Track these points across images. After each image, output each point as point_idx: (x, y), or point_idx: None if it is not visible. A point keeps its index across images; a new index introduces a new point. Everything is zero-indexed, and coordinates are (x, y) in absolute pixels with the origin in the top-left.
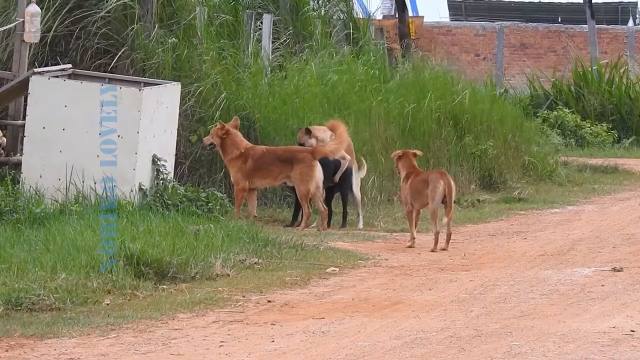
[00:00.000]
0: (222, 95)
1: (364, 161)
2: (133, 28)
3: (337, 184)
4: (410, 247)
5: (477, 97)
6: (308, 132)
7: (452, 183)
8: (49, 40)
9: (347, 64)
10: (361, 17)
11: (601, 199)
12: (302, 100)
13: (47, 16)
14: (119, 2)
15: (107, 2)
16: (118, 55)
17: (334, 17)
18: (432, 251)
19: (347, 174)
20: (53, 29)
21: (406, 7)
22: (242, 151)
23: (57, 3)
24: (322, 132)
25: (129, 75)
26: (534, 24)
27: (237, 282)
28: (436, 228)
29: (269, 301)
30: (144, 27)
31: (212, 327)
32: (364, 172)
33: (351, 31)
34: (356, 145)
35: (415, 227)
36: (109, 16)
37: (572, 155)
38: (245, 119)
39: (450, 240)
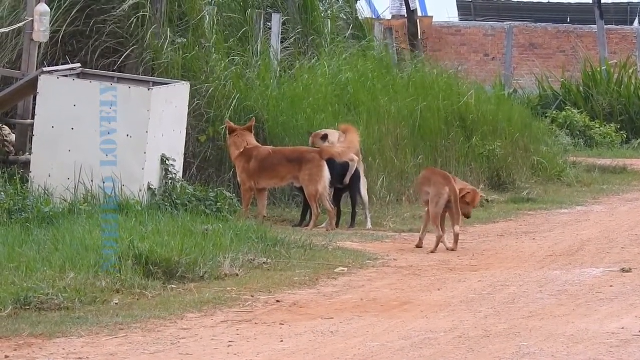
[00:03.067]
0: (232, 96)
1: (360, 159)
2: (143, 28)
3: (347, 185)
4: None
5: (484, 97)
6: (325, 137)
7: (457, 188)
8: (58, 40)
9: (354, 62)
10: (370, 17)
11: (610, 200)
12: (311, 100)
13: (57, 15)
14: (129, 2)
15: (117, 2)
16: (127, 55)
17: (341, 16)
18: (432, 252)
19: (356, 175)
20: (63, 28)
21: (414, 8)
22: (242, 151)
23: (67, 2)
24: (331, 134)
25: (139, 75)
26: (543, 24)
27: (246, 282)
28: (439, 232)
29: (277, 301)
30: (153, 27)
31: (221, 327)
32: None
33: (364, 31)
34: (366, 145)
35: (426, 227)
36: (119, 16)
37: (581, 156)
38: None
39: (460, 240)
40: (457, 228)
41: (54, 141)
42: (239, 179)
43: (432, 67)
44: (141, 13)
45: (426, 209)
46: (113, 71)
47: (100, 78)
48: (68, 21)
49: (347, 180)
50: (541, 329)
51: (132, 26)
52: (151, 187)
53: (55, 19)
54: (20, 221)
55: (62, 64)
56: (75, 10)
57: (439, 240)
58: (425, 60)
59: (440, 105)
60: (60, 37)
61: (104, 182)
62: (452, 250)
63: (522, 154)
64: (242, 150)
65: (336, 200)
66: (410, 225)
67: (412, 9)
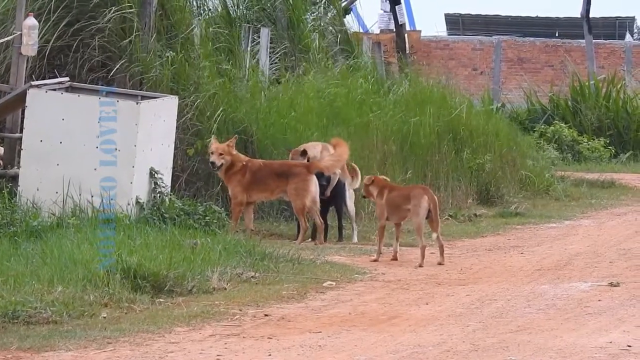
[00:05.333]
0: (220, 109)
1: (358, 171)
2: (131, 41)
3: (331, 197)
4: (375, 260)
5: (473, 111)
6: (304, 153)
7: (435, 198)
8: (46, 53)
9: (342, 78)
10: (359, 31)
11: (598, 214)
12: (299, 114)
13: (45, 29)
14: (117, 15)
15: (105, 15)
16: (116, 69)
17: (329, 30)
18: (420, 266)
19: (341, 187)
20: (51, 41)
21: (403, 22)
22: (244, 163)
23: (55, 16)
24: (312, 148)
25: (127, 89)
26: (532, 39)
27: (234, 296)
28: (422, 242)
29: (265, 315)
30: (141, 41)
31: (209, 341)
32: (357, 182)
33: (352, 45)
34: (354, 160)
35: (397, 240)
36: (107, 29)
37: (569, 170)
38: (242, 133)
39: (447, 254)
40: (434, 235)
41: (42, 155)
42: (231, 192)
43: (422, 81)
44: (128, 24)
45: (380, 224)
46: (101, 85)
47: (88, 92)
48: (56, 35)
49: (327, 192)
50: (529, 343)
51: (120, 40)
52: (139, 200)
53: (43, 32)
54: (9, 235)
55: (51, 78)
56: (63, 24)
57: (424, 250)
58: (414, 73)
59: (431, 119)
60: (48, 50)
61: (92, 196)
62: (440, 264)
63: (510, 168)
64: (244, 163)
65: (322, 213)
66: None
67: (400, 23)
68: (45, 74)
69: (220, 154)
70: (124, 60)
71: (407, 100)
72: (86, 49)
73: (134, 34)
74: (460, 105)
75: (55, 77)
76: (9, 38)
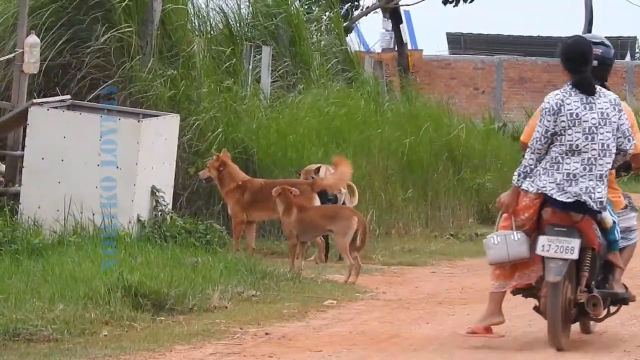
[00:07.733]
0: (220, 128)
1: (355, 188)
2: (132, 60)
3: None
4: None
5: (473, 130)
6: (318, 170)
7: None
8: (48, 71)
9: (343, 97)
10: (360, 50)
11: None
12: (300, 133)
13: (46, 47)
14: (115, 34)
15: (106, 33)
16: (116, 87)
17: (332, 49)
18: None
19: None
20: (49, 59)
21: (405, 41)
22: (240, 183)
23: (55, 34)
24: (323, 167)
25: (128, 107)
26: (533, 58)
27: (235, 314)
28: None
29: (266, 333)
30: (142, 59)
31: (210, 359)
32: (355, 200)
33: (353, 64)
34: (355, 179)
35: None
36: (107, 48)
37: None
38: (243, 152)
39: (448, 273)
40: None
41: (43, 173)
42: (230, 211)
43: (422, 100)
44: (127, 43)
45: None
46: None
47: (90, 110)
48: (56, 53)
49: None
50: None
51: (121, 58)
52: (141, 218)
53: (44, 50)
54: (10, 252)
55: (52, 96)
56: (62, 42)
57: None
58: (414, 92)
59: (430, 138)
60: (50, 68)
61: (93, 214)
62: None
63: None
64: (239, 183)
65: None
66: (399, 258)
67: (402, 42)
68: (47, 91)
69: (208, 168)
70: (124, 79)
71: (407, 118)
72: (87, 67)
73: (134, 52)
74: (459, 125)
75: (57, 95)
76: (10, 56)
